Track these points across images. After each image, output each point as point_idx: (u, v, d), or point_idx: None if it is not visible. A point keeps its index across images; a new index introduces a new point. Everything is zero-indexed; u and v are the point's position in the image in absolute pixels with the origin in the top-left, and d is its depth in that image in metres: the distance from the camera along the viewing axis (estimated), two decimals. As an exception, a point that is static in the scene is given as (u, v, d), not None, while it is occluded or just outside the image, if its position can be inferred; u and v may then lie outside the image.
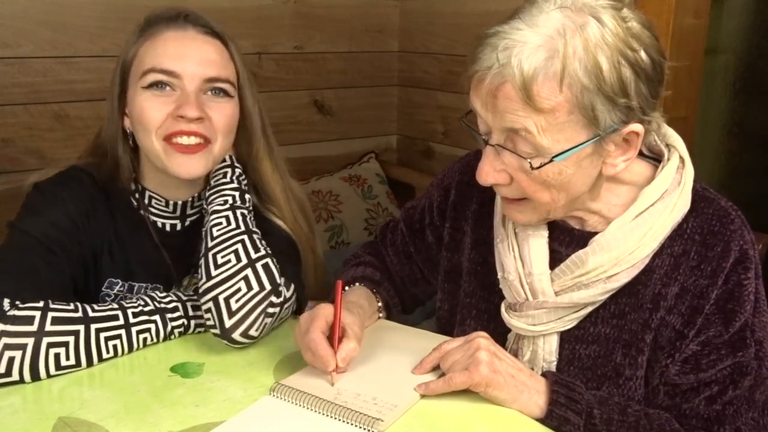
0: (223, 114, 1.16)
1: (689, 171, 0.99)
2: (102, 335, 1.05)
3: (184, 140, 1.13)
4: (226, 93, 1.17)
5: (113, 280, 1.22)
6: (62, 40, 1.92)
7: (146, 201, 1.24)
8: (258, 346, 1.13)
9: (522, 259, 1.02)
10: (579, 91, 0.84)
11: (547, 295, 0.99)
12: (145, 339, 1.10)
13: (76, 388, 1.00)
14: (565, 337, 1.02)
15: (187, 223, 1.27)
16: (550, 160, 0.88)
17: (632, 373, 0.98)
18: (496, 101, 0.87)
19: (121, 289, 1.23)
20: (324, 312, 1.00)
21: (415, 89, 2.57)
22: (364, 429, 0.90)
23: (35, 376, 1.00)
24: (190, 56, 1.14)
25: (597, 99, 0.85)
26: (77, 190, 1.19)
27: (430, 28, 2.45)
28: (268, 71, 2.30)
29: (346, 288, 1.18)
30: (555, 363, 1.02)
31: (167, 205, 1.25)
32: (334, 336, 0.99)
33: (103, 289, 1.22)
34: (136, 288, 1.24)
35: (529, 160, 0.89)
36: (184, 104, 1.12)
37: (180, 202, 1.25)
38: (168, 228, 1.26)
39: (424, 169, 2.57)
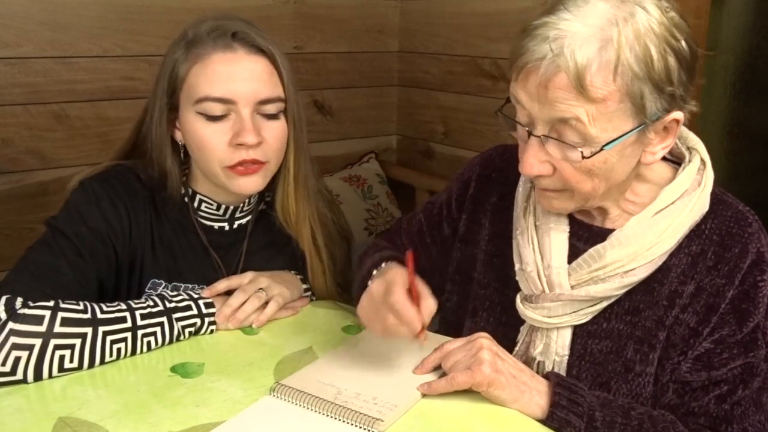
0: (275, 136, 1.17)
1: (709, 173, 1.00)
2: (108, 338, 1.05)
3: (243, 164, 1.15)
4: (278, 111, 1.18)
5: (156, 281, 1.23)
6: (62, 40, 1.92)
7: (196, 204, 1.25)
8: (258, 346, 1.13)
9: (541, 251, 1.03)
10: (630, 80, 0.85)
11: (564, 288, 1.00)
12: (149, 343, 1.09)
13: (77, 388, 1.00)
14: (578, 331, 1.02)
15: (235, 225, 1.29)
16: (601, 149, 0.89)
17: (642, 369, 0.99)
18: (547, 92, 0.87)
19: (165, 290, 1.23)
20: (399, 277, 0.98)
21: (415, 89, 2.57)
22: (365, 429, 0.90)
23: (38, 377, 1.00)
24: (241, 79, 1.13)
25: (646, 87, 0.86)
26: (120, 189, 1.19)
27: (430, 28, 2.45)
28: (268, 71, 2.29)
29: (383, 264, 1.15)
30: (567, 357, 1.03)
31: (218, 208, 1.26)
32: (413, 299, 0.96)
33: (146, 290, 1.22)
34: (182, 288, 1.24)
35: (580, 150, 0.89)
36: (241, 131, 1.13)
37: (231, 207, 1.27)
38: (216, 227, 1.28)
39: (424, 169, 2.57)
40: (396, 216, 2.55)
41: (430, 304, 0.97)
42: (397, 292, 0.95)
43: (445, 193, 1.25)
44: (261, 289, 1.20)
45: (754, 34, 2.12)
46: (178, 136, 1.20)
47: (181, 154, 1.22)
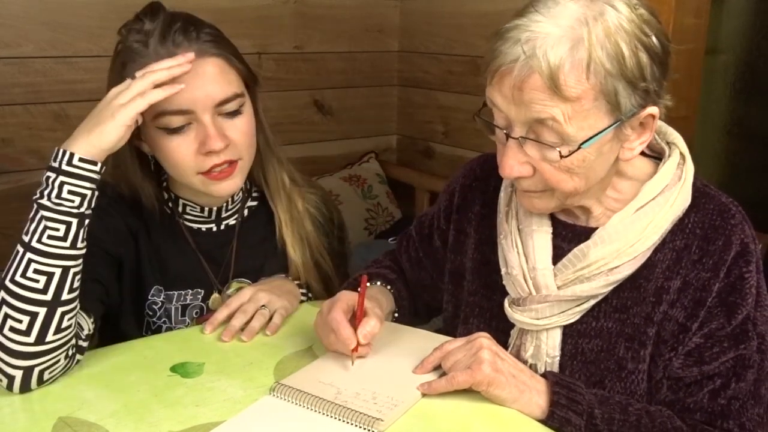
0: (242, 132, 1.15)
1: (689, 167, 1.01)
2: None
3: (217, 168, 1.13)
4: (239, 107, 1.15)
5: (159, 287, 1.23)
6: (62, 40, 1.92)
7: (180, 209, 1.25)
8: (258, 346, 1.13)
9: (526, 254, 1.03)
10: (603, 78, 0.86)
11: (550, 289, 1.00)
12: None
13: (77, 388, 1.00)
14: (567, 331, 1.02)
15: (222, 226, 1.28)
16: (579, 148, 0.89)
17: (635, 367, 0.99)
18: (522, 93, 0.88)
19: (164, 299, 1.23)
20: (345, 297, 1.03)
21: (415, 89, 2.57)
22: (365, 429, 0.90)
23: None
24: (194, 87, 1.08)
25: (619, 84, 0.87)
26: (112, 203, 1.18)
27: (430, 28, 2.45)
28: (268, 71, 2.30)
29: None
30: (558, 358, 1.03)
31: (202, 211, 1.25)
32: (357, 321, 1.00)
33: (149, 297, 1.23)
34: (175, 296, 1.24)
35: (558, 149, 0.90)
36: (206, 139, 1.10)
37: (215, 208, 1.26)
38: (203, 229, 1.27)
39: (424, 169, 2.57)
40: (396, 216, 2.55)
41: (370, 324, 1.00)
42: (336, 311, 1.00)
43: (435, 206, 1.27)
44: (263, 306, 1.19)
45: (754, 34, 2.12)
46: (145, 148, 1.17)
47: (152, 165, 1.20)
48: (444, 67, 2.42)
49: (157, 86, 1.03)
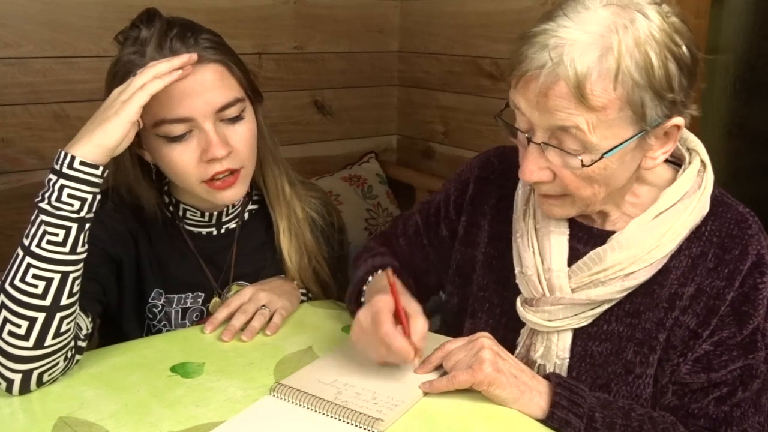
0: (243, 140, 1.14)
1: (710, 175, 1.00)
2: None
3: (220, 176, 1.13)
4: (240, 113, 1.14)
5: (159, 290, 1.23)
6: (62, 40, 1.92)
7: (181, 213, 1.25)
8: (258, 346, 1.13)
9: (542, 255, 1.02)
10: (630, 88, 0.85)
11: (564, 291, 1.00)
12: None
13: (77, 388, 1.00)
14: (578, 333, 1.02)
15: (222, 230, 1.28)
16: (601, 157, 0.89)
17: (642, 371, 0.99)
18: (547, 100, 0.86)
19: (164, 302, 1.23)
20: (383, 304, 0.98)
21: (415, 89, 2.57)
22: (365, 429, 0.90)
23: None
24: (193, 94, 1.08)
25: (647, 95, 0.86)
26: (114, 208, 1.18)
27: (430, 28, 2.45)
28: (268, 71, 2.30)
29: (370, 278, 1.16)
30: (567, 360, 1.02)
31: (203, 215, 1.25)
32: (401, 323, 0.97)
33: (150, 300, 1.22)
34: (175, 300, 1.24)
35: (579, 158, 0.89)
36: (208, 146, 1.10)
37: (216, 213, 1.26)
38: (204, 233, 1.27)
39: (424, 169, 2.57)
40: (401, 213, 2.54)
41: (419, 325, 0.97)
42: (385, 323, 0.95)
43: (442, 193, 1.24)
44: (263, 306, 1.19)
45: (754, 34, 2.12)
46: (147, 156, 1.17)
47: (153, 174, 1.20)
48: (444, 67, 2.41)
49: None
